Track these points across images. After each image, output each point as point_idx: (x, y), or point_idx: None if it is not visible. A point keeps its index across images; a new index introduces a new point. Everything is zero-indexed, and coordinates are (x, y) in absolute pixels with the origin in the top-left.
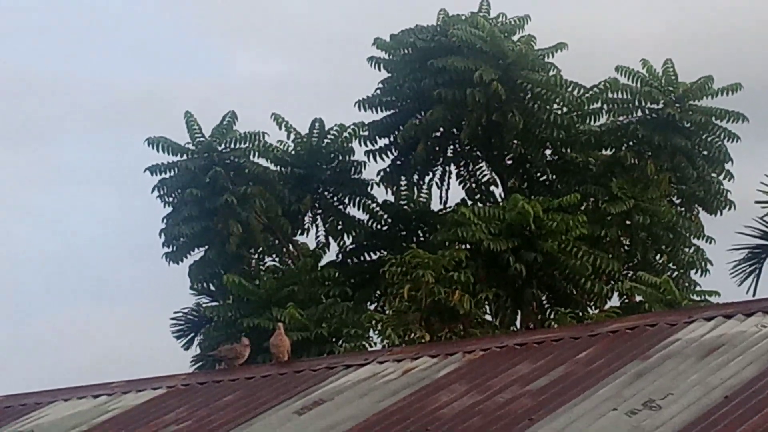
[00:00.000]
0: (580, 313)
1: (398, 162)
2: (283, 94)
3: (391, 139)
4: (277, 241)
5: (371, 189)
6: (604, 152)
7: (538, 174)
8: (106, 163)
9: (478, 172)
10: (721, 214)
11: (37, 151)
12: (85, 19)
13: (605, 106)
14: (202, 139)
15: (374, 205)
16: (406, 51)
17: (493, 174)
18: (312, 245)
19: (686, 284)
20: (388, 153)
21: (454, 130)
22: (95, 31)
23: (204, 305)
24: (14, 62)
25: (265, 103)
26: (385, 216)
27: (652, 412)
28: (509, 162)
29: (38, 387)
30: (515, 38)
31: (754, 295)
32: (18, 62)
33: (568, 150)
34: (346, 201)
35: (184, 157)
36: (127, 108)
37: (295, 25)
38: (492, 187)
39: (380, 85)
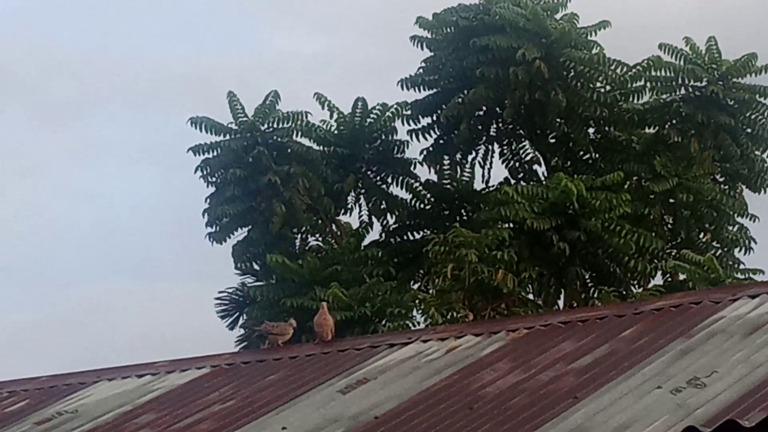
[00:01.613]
0: (624, 292)
1: (441, 141)
2: (323, 72)
3: (434, 118)
4: (320, 221)
5: (414, 168)
6: (647, 130)
7: (581, 152)
8: (147, 141)
9: (521, 151)
10: (765, 191)
11: (77, 129)
12: None
13: (648, 84)
14: (245, 118)
15: (417, 184)
16: (448, 30)
17: (536, 153)
18: (355, 225)
19: (730, 262)
20: (431, 132)
21: (497, 109)
22: (134, 9)
23: (248, 285)
24: (54, 40)
25: (304, 81)
26: (428, 195)
27: (697, 389)
28: (552, 141)
29: (80, 363)
30: (558, 16)
31: None
32: (57, 40)
33: (611, 128)
34: (389, 180)
35: (227, 136)
36: (166, 85)
37: (334, 2)
38: (535, 166)
39: (423, 64)
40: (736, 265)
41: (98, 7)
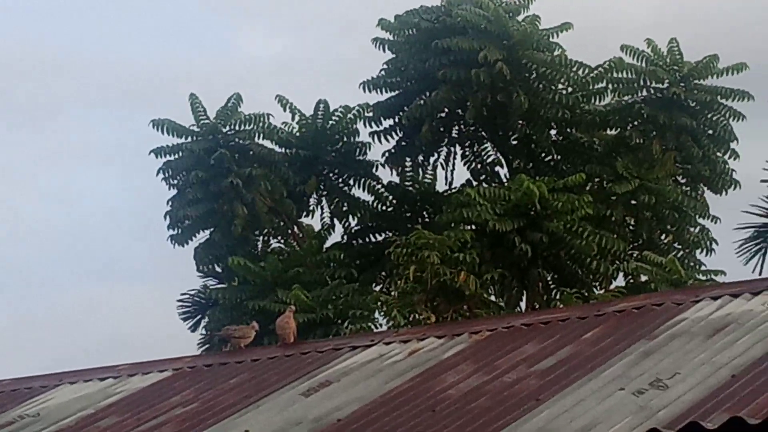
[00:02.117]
0: (586, 293)
1: (403, 143)
2: (286, 75)
3: (396, 120)
4: (282, 223)
5: (376, 170)
6: (609, 132)
7: (543, 154)
8: (113, 143)
9: (483, 153)
10: (727, 193)
11: (45, 131)
12: None
13: (610, 86)
14: (207, 121)
15: (379, 186)
16: (410, 32)
17: (498, 154)
18: (317, 227)
19: (692, 264)
20: (393, 134)
21: (459, 110)
22: (99, 12)
23: (210, 287)
24: (19, 43)
25: (268, 84)
26: (390, 197)
27: (659, 391)
28: (514, 142)
29: (44, 366)
30: (520, 18)
31: (760, 274)
32: (22, 41)
33: (573, 130)
34: (351, 182)
35: (189, 139)
36: (132, 87)
37: (298, 4)
38: (497, 168)
39: (385, 66)
40: (697, 267)
41: (63, 10)
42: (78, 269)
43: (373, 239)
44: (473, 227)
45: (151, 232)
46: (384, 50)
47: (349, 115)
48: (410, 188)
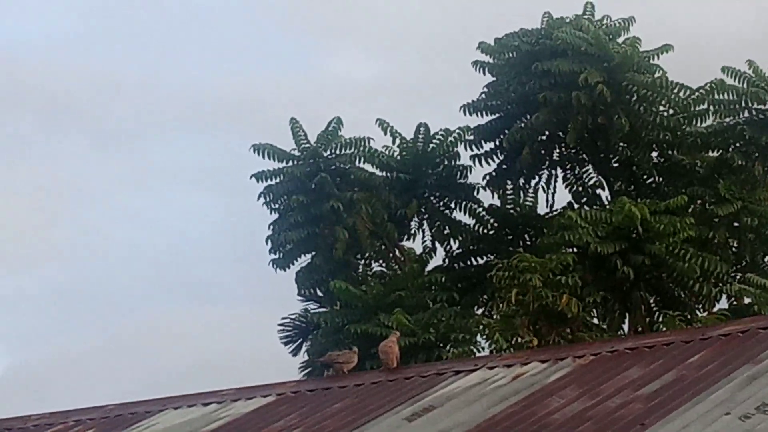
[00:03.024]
0: (689, 316)
1: (504, 166)
2: (381, 96)
3: (497, 143)
4: (383, 247)
5: (477, 193)
6: (711, 154)
7: (645, 176)
8: (204, 165)
9: (584, 176)
10: None
11: (135, 154)
12: (176, 20)
13: (711, 108)
14: (307, 145)
15: (480, 209)
16: (510, 54)
17: (600, 177)
18: (418, 250)
19: None
20: (494, 157)
21: (560, 133)
22: (189, 33)
23: (311, 311)
24: (110, 66)
25: (361, 105)
26: (492, 220)
27: (765, 416)
28: (615, 165)
29: (143, 389)
30: (620, 40)
31: None
32: (114, 66)
33: (675, 152)
34: (452, 205)
35: (290, 163)
36: (222, 109)
37: (390, 26)
38: (598, 190)
39: (485, 89)
40: None
41: (154, 33)
42: (174, 292)
43: (474, 262)
44: (575, 250)
45: (251, 256)
46: (484, 73)
47: (450, 138)
48: (511, 211)
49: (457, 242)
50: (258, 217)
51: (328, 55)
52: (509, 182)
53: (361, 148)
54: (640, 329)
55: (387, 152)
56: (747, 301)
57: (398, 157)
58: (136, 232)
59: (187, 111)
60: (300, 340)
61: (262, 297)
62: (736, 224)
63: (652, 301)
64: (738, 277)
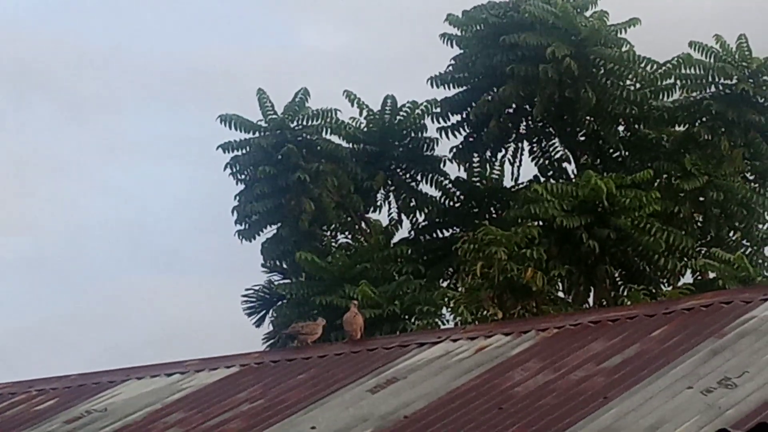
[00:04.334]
0: (654, 290)
1: (471, 139)
2: (349, 68)
3: (464, 115)
4: (349, 219)
5: (444, 166)
6: (677, 128)
7: (611, 150)
8: (174, 136)
9: (550, 149)
10: None
11: (105, 124)
12: None
13: (678, 82)
14: (274, 116)
15: (447, 182)
16: (478, 27)
17: (566, 150)
18: (384, 222)
19: (760, 261)
20: (461, 130)
21: (527, 106)
22: (159, 4)
23: (276, 282)
24: (80, 36)
25: (330, 77)
26: (458, 193)
27: (727, 390)
28: (582, 138)
29: (108, 357)
30: (588, 14)
31: None
32: (84, 36)
33: (641, 126)
34: (419, 178)
35: (257, 134)
36: (192, 81)
37: None
38: (564, 164)
39: (452, 62)
40: (766, 264)
41: (123, 2)
42: (141, 262)
43: (440, 235)
44: (540, 223)
45: (217, 226)
46: (452, 45)
47: (417, 111)
48: (477, 184)
49: (423, 215)
50: (224, 188)
51: (296, 26)
52: (476, 155)
53: (328, 120)
54: (604, 303)
55: (354, 124)
56: (712, 275)
57: (365, 129)
58: (104, 203)
59: (156, 82)
60: (264, 312)
61: (228, 268)
62: (701, 199)
63: (617, 275)
64: (703, 251)
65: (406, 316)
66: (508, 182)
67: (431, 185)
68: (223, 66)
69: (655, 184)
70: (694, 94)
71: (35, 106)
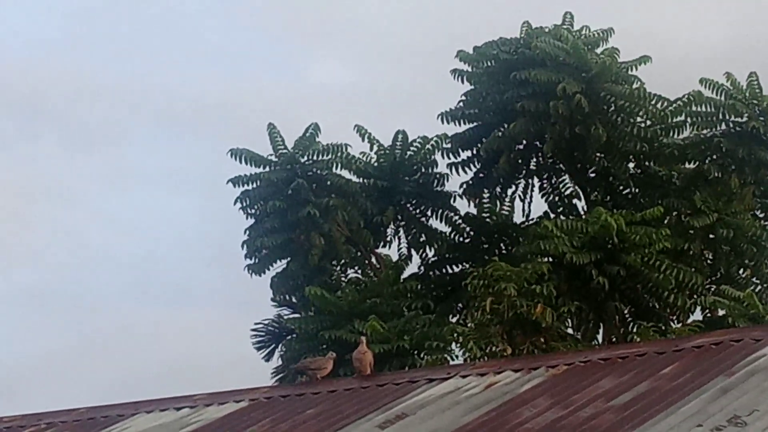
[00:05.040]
0: (663, 327)
1: (481, 174)
2: (357, 104)
3: (474, 151)
4: (359, 253)
5: (454, 201)
6: (687, 165)
7: (621, 187)
8: (181, 169)
9: (560, 185)
10: None
11: (110, 156)
12: (155, 23)
13: (689, 119)
14: (284, 151)
15: (457, 217)
16: (489, 63)
17: (576, 187)
18: (394, 257)
19: None
20: (471, 165)
21: (537, 142)
22: (168, 37)
23: (285, 317)
24: (86, 68)
25: (339, 112)
26: (468, 228)
27: (737, 428)
28: (592, 175)
29: (116, 390)
30: (599, 51)
31: None
32: (90, 68)
33: (652, 163)
34: (429, 213)
35: (267, 168)
36: (199, 113)
37: (369, 33)
38: (575, 200)
39: (463, 98)
40: None
41: (132, 36)
42: (148, 295)
43: (450, 270)
44: (550, 260)
45: (226, 260)
46: (462, 81)
47: (428, 146)
48: (487, 220)
49: (432, 250)
50: (234, 221)
51: (307, 61)
52: (486, 191)
53: (339, 155)
54: (614, 340)
55: (364, 159)
56: (721, 313)
57: (375, 164)
58: (111, 235)
59: (164, 114)
60: (273, 346)
61: (237, 302)
62: (711, 236)
63: (626, 311)
64: (712, 289)
65: (416, 352)
66: (518, 218)
67: (441, 221)
68: (231, 99)
69: (665, 221)
70: (704, 131)
71: (43, 137)
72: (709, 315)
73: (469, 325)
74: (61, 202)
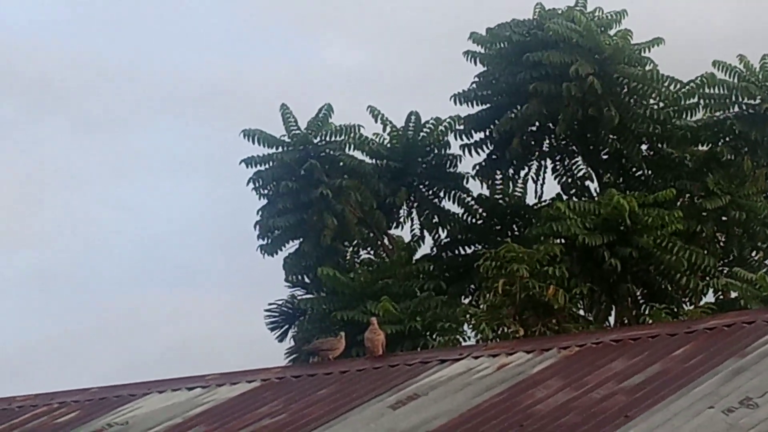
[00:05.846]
0: (675, 309)
1: (494, 156)
2: (369, 85)
3: (487, 133)
4: (371, 234)
5: (466, 183)
6: (700, 147)
7: (634, 169)
8: (190, 152)
9: (573, 167)
10: None
11: (119, 139)
12: (163, 6)
13: (702, 101)
14: (297, 131)
15: (469, 198)
16: (501, 45)
17: (589, 169)
18: (407, 238)
19: None
20: (484, 147)
21: (550, 124)
22: (178, 21)
23: (298, 297)
24: (95, 52)
25: (350, 93)
26: (480, 210)
27: (749, 410)
28: (605, 157)
29: (126, 372)
30: (612, 32)
31: None
32: (99, 52)
33: (664, 145)
34: (441, 194)
35: (280, 149)
36: (210, 97)
37: (381, 14)
38: (587, 182)
39: (476, 79)
40: None
41: (141, 19)
42: (158, 277)
43: (462, 252)
44: (563, 241)
45: (237, 241)
46: (475, 63)
47: (440, 128)
48: (500, 201)
49: (445, 231)
50: (245, 203)
51: (317, 43)
52: (498, 172)
53: (351, 136)
54: (626, 321)
55: (377, 140)
56: (733, 295)
57: (388, 145)
58: (121, 218)
59: (172, 97)
60: (286, 326)
61: (249, 282)
62: (724, 218)
63: (638, 293)
64: (725, 271)
65: (428, 333)
66: (530, 200)
67: (454, 202)
68: (241, 82)
69: (678, 203)
70: (717, 113)
71: (50, 121)
72: (721, 297)
73: (481, 306)
74: (69, 185)
